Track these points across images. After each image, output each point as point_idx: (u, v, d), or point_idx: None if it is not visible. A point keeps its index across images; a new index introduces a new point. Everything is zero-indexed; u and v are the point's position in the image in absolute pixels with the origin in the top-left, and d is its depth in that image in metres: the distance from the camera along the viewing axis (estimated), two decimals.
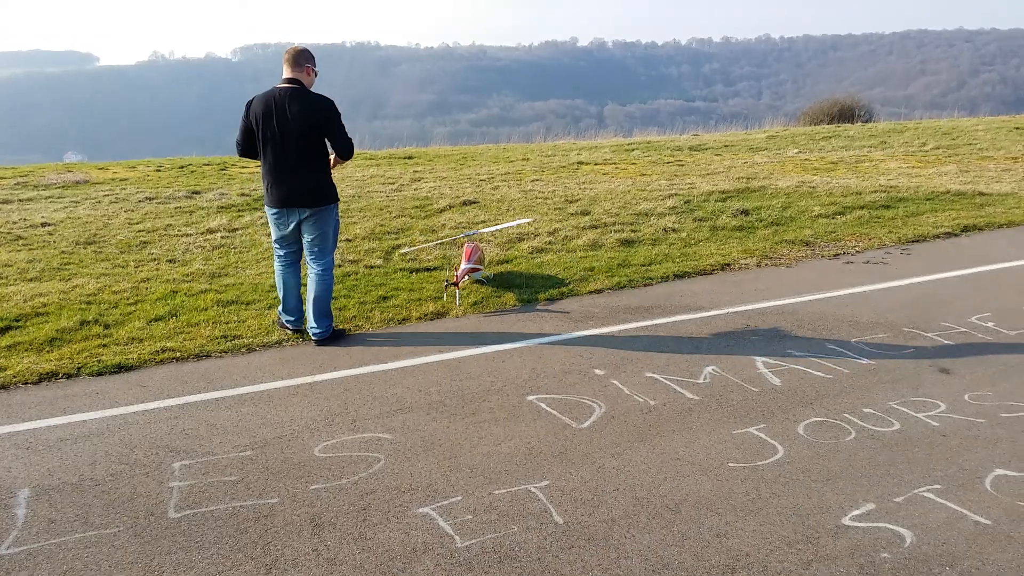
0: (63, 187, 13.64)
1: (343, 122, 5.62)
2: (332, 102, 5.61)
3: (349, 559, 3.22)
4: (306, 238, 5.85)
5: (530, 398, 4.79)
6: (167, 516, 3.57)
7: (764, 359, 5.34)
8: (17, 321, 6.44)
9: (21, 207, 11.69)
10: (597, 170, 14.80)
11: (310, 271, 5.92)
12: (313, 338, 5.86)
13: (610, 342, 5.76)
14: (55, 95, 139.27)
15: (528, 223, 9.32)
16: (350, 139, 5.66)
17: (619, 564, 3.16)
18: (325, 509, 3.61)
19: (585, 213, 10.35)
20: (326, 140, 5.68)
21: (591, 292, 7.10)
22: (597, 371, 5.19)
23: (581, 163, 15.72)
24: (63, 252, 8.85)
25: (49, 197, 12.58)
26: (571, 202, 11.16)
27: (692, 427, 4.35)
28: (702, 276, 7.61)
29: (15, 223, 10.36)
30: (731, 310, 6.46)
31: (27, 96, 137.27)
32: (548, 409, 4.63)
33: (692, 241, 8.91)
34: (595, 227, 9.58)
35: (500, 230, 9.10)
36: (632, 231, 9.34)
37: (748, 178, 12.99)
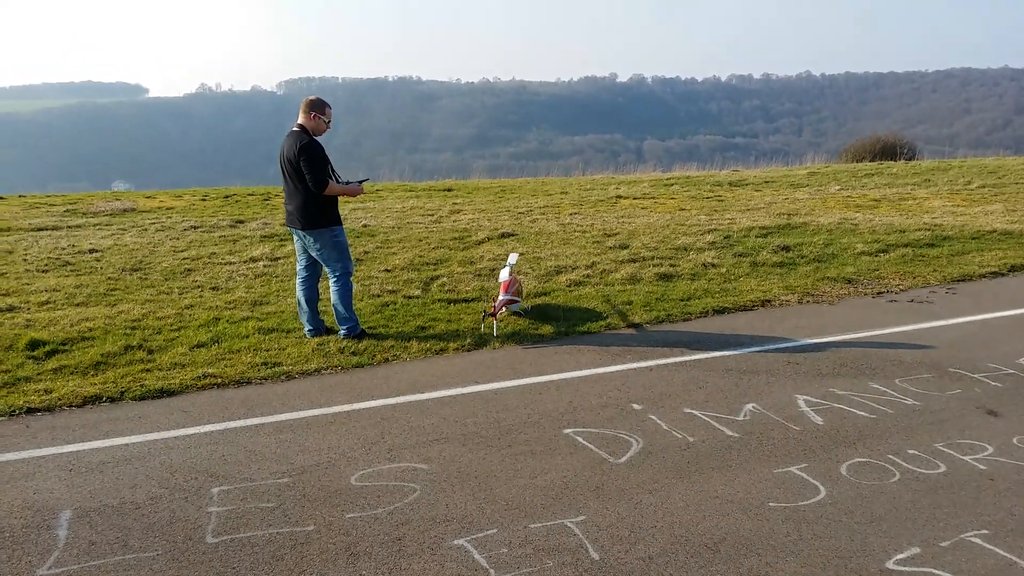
0: (111, 215, 13.97)
1: (316, 160, 6.37)
2: (308, 144, 6.40)
3: None
4: (314, 255, 6.78)
5: (567, 431, 4.77)
6: (205, 541, 3.60)
7: (806, 397, 5.26)
8: (64, 345, 6.57)
9: (70, 233, 11.99)
10: (636, 204, 14.80)
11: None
12: (342, 337, 6.72)
13: (648, 376, 5.72)
14: (105, 125, 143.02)
15: (519, 256, 9.31)
16: (319, 176, 6.38)
17: None
18: (360, 538, 3.60)
19: (623, 247, 10.34)
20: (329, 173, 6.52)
21: (629, 326, 7.07)
22: (635, 406, 5.15)
23: (620, 197, 15.74)
24: (109, 278, 9.03)
25: (97, 224, 12.89)
26: (609, 236, 11.16)
27: (732, 465, 4.29)
28: (742, 312, 7.54)
29: (64, 249, 10.62)
30: (772, 347, 6.39)
31: (78, 126, 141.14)
32: (585, 443, 4.60)
33: (732, 276, 8.85)
34: (633, 261, 9.56)
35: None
36: (671, 265, 9.30)
37: (789, 214, 12.89)
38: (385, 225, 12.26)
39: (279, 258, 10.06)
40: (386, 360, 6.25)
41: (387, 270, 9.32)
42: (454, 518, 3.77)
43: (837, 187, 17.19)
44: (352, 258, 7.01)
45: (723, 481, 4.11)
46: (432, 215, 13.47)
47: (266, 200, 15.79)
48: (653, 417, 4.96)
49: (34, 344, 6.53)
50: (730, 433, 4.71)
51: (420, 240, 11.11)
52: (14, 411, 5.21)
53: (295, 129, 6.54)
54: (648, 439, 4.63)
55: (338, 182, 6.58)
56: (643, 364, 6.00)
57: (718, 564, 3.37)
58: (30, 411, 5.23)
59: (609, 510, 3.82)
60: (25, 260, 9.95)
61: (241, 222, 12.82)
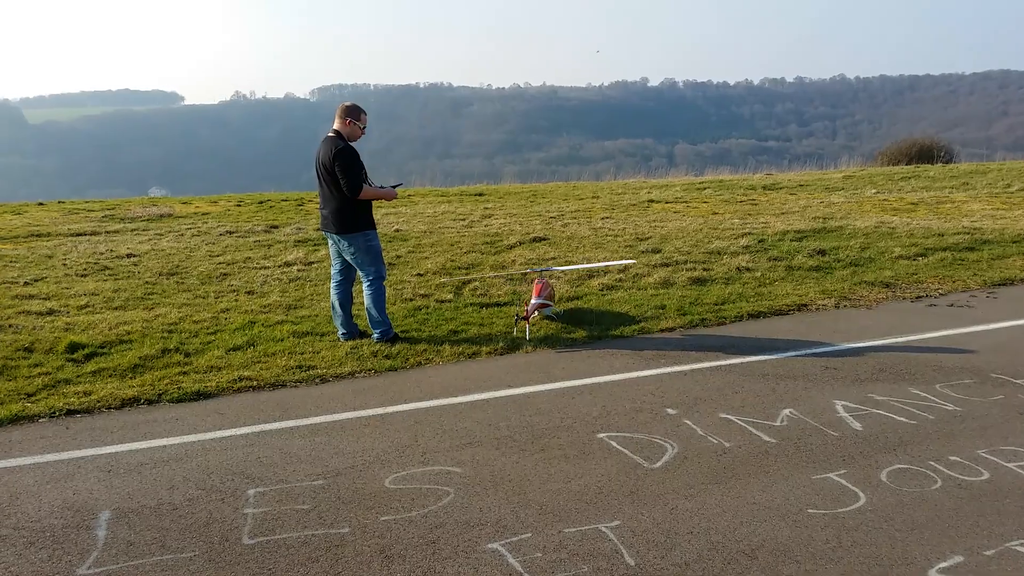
0: (148, 220, 14.17)
1: (351, 166, 6.43)
2: (343, 150, 6.45)
3: None
4: (348, 259, 6.81)
5: (600, 436, 4.74)
6: (241, 542, 3.62)
7: (844, 403, 5.18)
8: (102, 348, 6.66)
9: (108, 239, 12.18)
10: (668, 208, 14.72)
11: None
12: (375, 340, 6.76)
13: (682, 381, 5.68)
14: (141, 132, 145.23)
15: (631, 264, 9.24)
16: (354, 181, 6.43)
17: None
18: (395, 541, 3.61)
19: (656, 251, 10.28)
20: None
21: (663, 330, 7.02)
22: (669, 410, 5.11)
23: (652, 201, 15.67)
24: (147, 282, 9.16)
25: (135, 229, 13.09)
26: (642, 240, 11.10)
27: (769, 471, 4.24)
28: (778, 316, 7.46)
29: (102, 254, 10.79)
30: (808, 351, 6.31)
31: (116, 133, 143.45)
32: (619, 447, 4.56)
33: (767, 281, 8.76)
34: (666, 265, 9.50)
35: (601, 267, 9.11)
36: (704, 269, 9.23)
37: (825, 218, 12.74)
38: (417, 230, 12.30)
39: (312, 263, 10.14)
40: (419, 364, 6.27)
41: (419, 274, 9.35)
42: (488, 522, 3.76)
43: (873, 191, 16.97)
44: (385, 262, 7.06)
45: (760, 487, 4.05)
46: (464, 219, 13.50)
47: (299, 205, 15.94)
48: (688, 422, 4.91)
49: (74, 347, 6.63)
50: (767, 439, 4.65)
51: (452, 245, 11.14)
52: (54, 413, 5.29)
53: (330, 135, 6.62)
54: (683, 444, 4.59)
55: (371, 187, 6.63)
56: (677, 368, 5.95)
57: (755, 571, 3.32)
58: (70, 413, 5.31)
59: (644, 515, 3.79)
60: (65, 265, 10.12)
61: (275, 227, 12.95)
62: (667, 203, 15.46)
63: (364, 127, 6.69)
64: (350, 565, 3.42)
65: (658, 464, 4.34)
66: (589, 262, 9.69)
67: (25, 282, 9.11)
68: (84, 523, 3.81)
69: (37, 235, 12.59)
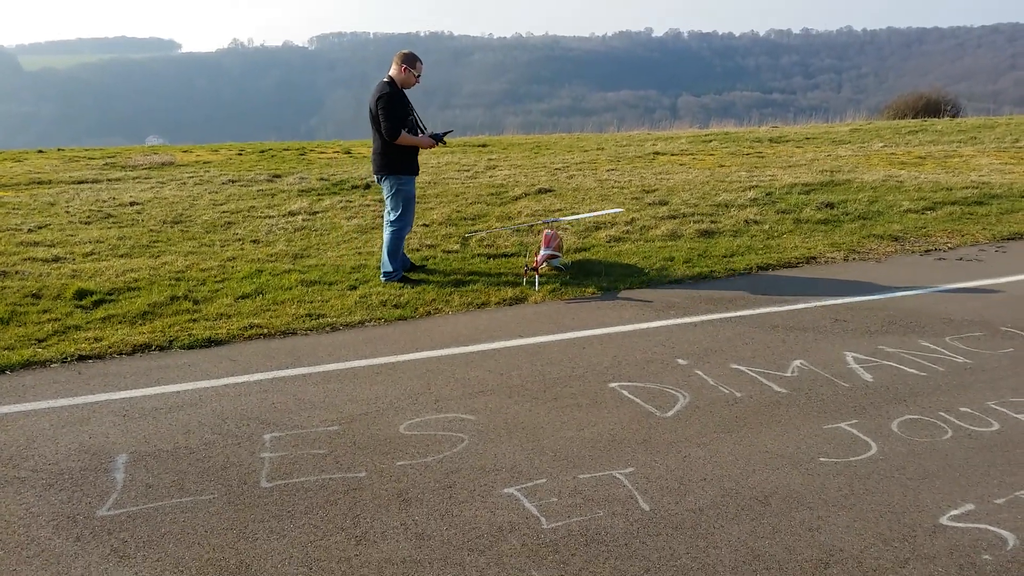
0: (149, 168, 14.07)
1: (391, 110, 6.65)
2: (387, 94, 6.69)
3: (437, 534, 3.25)
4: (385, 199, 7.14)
5: (612, 385, 4.76)
6: (259, 485, 3.65)
7: (854, 354, 5.20)
8: (110, 295, 6.66)
9: (110, 186, 12.10)
10: (674, 160, 14.61)
11: None
12: (382, 282, 7.02)
13: (692, 332, 5.69)
14: (138, 81, 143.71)
15: (620, 213, 9.24)
16: (392, 125, 6.66)
17: (708, 554, 3.11)
18: (411, 485, 3.64)
19: (663, 203, 10.23)
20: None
21: (671, 282, 7.02)
22: (680, 360, 5.13)
23: (657, 153, 15.54)
24: (151, 230, 9.12)
25: (136, 178, 13.00)
26: (648, 192, 11.04)
27: (780, 420, 4.26)
28: (787, 268, 7.45)
29: (104, 202, 10.73)
30: (818, 303, 6.31)
31: (113, 81, 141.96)
32: (630, 397, 4.59)
33: (775, 233, 8.73)
34: (673, 217, 9.46)
35: (590, 218, 9.10)
36: (712, 222, 9.19)
37: (832, 171, 12.66)
38: (420, 181, 12.22)
39: (317, 212, 10.09)
40: (428, 313, 6.27)
41: (425, 224, 9.32)
42: (503, 467, 3.79)
43: (880, 144, 16.83)
44: (415, 214, 7.26)
45: (772, 436, 4.08)
46: (468, 171, 13.41)
47: (302, 155, 15.82)
48: (699, 372, 4.93)
49: (81, 293, 6.63)
50: (778, 389, 4.67)
51: (457, 196, 11.08)
52: (66, 358, 5.30)
53: (384, 80, 6.85)
54: (695, 394, 4.61)
55: (418, 134, 6.89)
56: (687, 320, 5.96)
57: (769, 517, 3.36)
58: (81, 358, 5.32)
59: (658, 462, 3.82)
60: (68, 212, 10.07)
61: (278, 176, 12.86)
62: (673, 155, 15.34)
63: (419, 75, 6.90)
64: (368, 508, 3.46)
65: (670, 413, 4.37)
66: (602, 217, 9.65)
67: (29, 229, 9.08)
68: (102, 466, 3.84)
69: (38, 182, 12.50)
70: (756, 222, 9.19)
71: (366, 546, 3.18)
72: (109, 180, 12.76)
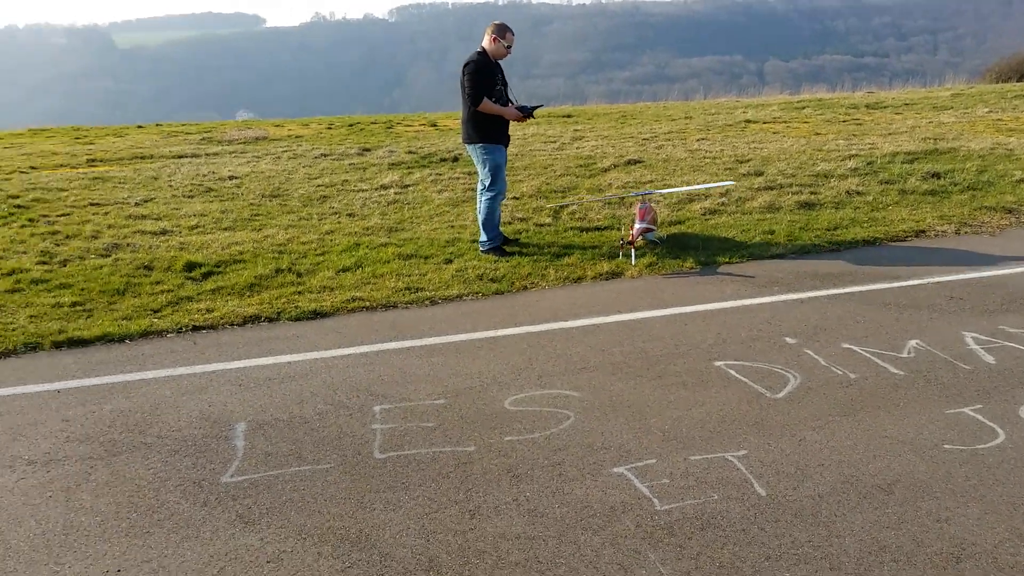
0: (244, 143, 14.41)
1: (476, 78, 6.75)
2: (473, 62, 6.80)
3: (550, 512, 3.25)
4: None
5: (717, 364, 4.67)
6: (373, 456, 3.72)
7: (974, 335, 4.98)
8: (217, 267, 6.86)
9: (208, 161, 12.44)
10: (766, 129, 14.21)
11: None
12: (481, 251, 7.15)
13: (799, 309, 5.54)
14: (226, 56, 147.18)
15: (732, 185, 9.03)
16: (475, 92, 6.75)
17: (831, 543, 3.04)
18: (520, 461, 3.65)
19: (759, 174, 9.97)
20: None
21: (773, 256, 6.84)
22: (788, 339, 5.00)
23: (748, 121, 15.14)
24: (251, 204, 9.35)
25: (232, 152, 13.32)
26: (742, 162, 10.77)
27: (899, 404, 4.12)
28: (895, 243, 7.18)
29: (204, 175, 11.04)
30: (932, 280, 6.06)
31: (201, 57, 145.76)
32: (738, 376, 4.50)
33: (879, 205, 8.41)
34: (770, 188, 9.21)
35: (702, 190, 8.94)
36: (811, 193, 8.91)
37: (936, 139, 12.11)
38: (508, 152, 12.17)
39: (408, 186, 10.17)
40: (525, 288, 6.27)
41: (515, 197, 9.29)
42: (611, 446, 3.77)
43: (985, 109, 16.01)
44: (506, 182, 7.31)
45: (891, 420, 3.95)
46: (554, 142, 13.31)
47: (389, 128, 15.96)
48: (809, 352, 4.80)
49: (191, 266, 6.85)
50: (894, 371, 4.51)
51: (545, 168, 11.01)
52: (181, 328, 5.50)
53: (476, 51, 6.95)
54: (806, 374, 4.49)
55: (506, 104, 6.93)
56: (793, 296, 5.80)
57: (893, 506, 3.25)
58: (195, 328, 5.51)
59: (771, 446, 3.74)
60: (171, 186, 10.40)
61: (368, 150, 13.00)
62: (765, 123, 14.92)
63: (509, 46, 6.93)
64: (480, 482, 3.49)
65: (781, 394, 4.26)
66: (688, 185, 9.47)
67: (136, 203, 9.41)
68: (222, 433, 3.97)
69: (140, 157, 12.94)
70: (859, 193, 8.87)
71: (480, 520, 3.21)
72: (207, 155, 13.12)
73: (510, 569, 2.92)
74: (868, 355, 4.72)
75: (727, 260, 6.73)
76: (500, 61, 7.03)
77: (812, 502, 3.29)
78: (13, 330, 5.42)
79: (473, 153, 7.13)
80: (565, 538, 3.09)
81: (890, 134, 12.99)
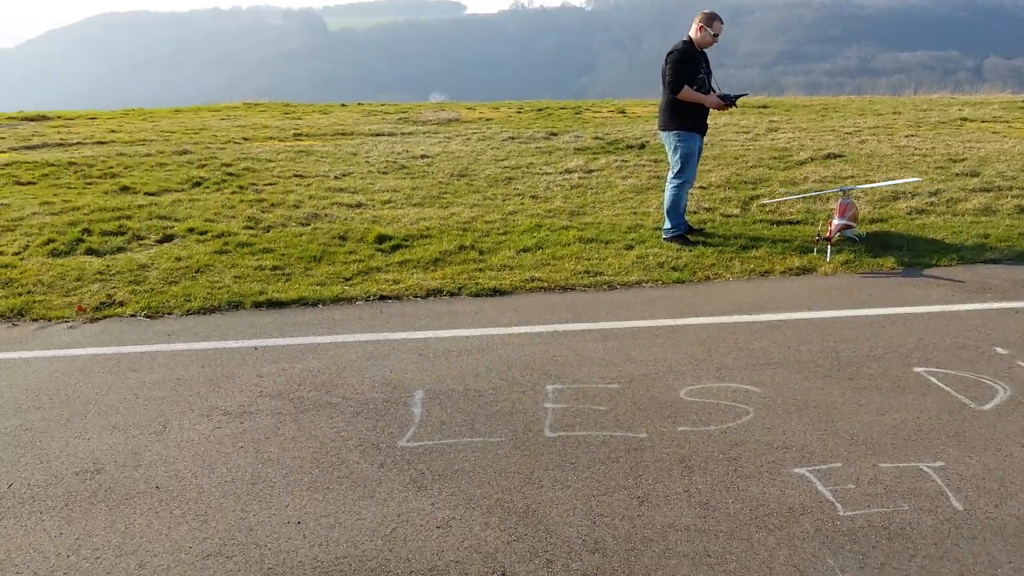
0: (437, 124, 14.90)
1: (677, 66, 6.68)
2: (676, 49, 6.75)
3: (722, 506, 3.14)
4: None
5: (917, 370, 4.34)
6: (543, 434, 3.74)
7: None
8: (405, 241, 7.13)
9: (403, 140, 12.97)
10: (985, 128, 13.05)
11: None
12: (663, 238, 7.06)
13: (1014, 319, 5.04)
14: (426, 41, 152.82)
15: (918, 182, 8.33)
16: (675, 80, 6.66)
17: None
18: (693, 453, 3.55)
19: (974, 174, 9.17)
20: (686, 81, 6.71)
21: (987, 261, 6.28)
22: (999, 349, 4.56)
23: (964, 120, 13.96)
24: (440, 182, 9.65)
25: (426, 132, 13.81)
26: (955, 161, 9.95)
27: None
28: None
29: (399, 154, 11.50)
30: None
31: (404, 41, 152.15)
32: (939, 384, 4.15)
33: None
34: (987, 190, 8.45)
35: (884, 187, 8.35)
36: None
37: None
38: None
39: (592, 171, 10.14)
40: (707, 278, 6.09)
41: (703, 187, 9.05)
42: (792, 446, 3.58)
43: None
44: (696, 171, 7.16)
45: None
46: (747, 133, 12.84)
47: (577, 114, 15.99)
48: (1022, 364, 4.36)
49: (381, 238, 7.16)
50: None
51: (736, 158, 10.65)
52: (369, 297, 5.76)
53: (683, 39, 6.87)
54: (1017, 388, 4.08)
55: (707, 92, 6.79)
56: (1007, 305, 5.30)
57: None
58: (382, 298, 5.75)
59: (973, 459, 3.42)
60: (367, 162, 10.92)
61: (555, 134, 13.08)
62: (983, 122, 13.71)
63: (716, 35, 6.79)
64: (650, 470, 3.42)
65: (988, 406, 3.90)
66: (896, 186, 8.85)
67: (335, 176, 9.95)
68: (401, 399, 4.12)
69: (342, 134, 13.69)
70: None
71: (648, 508, 3.14)
72: (402, 134, 13.68)
73: (678, 560, 2.84)
74: None
75: (934, 263, 6.24)
76: (706, 50, 6.88)
77: (1016, 522, 2.98)
78: (219, 288, 5.88)
79: (666, 140, 7.01)
80: (737, 535, 2.96)
81: None
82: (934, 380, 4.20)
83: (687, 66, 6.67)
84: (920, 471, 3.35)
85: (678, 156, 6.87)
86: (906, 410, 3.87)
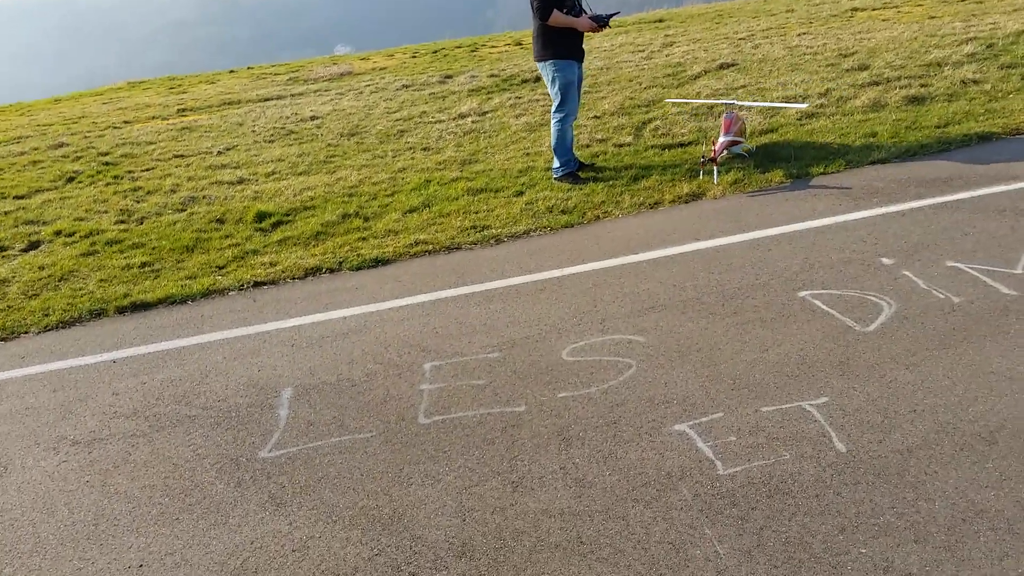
0: (329, 80, 14.28)
1: None
2: None
3: (598, 481, 2.96)
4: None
5: (802, 294, 4.20)
6: (417, 421, 3.51)
7: None
8: (287, 216, 6.76)
9: (292, 102, 12.39)
10: (875, 16, 12.98)
11: None
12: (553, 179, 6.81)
13: (900, 223, 4.94)
14: None
15: (804, 108, 7.78)
16: (540, 3, 6.24)
17: (918, 508, 2.63)
18: (573, 421, 3.36)
19: (863, 68, 9.06)
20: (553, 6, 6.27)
21: (874, 162, 6.17)
22: (884, 260, 4.45)
23: (856, 10, 13.87)
24: (329, 145, 9.21)
25: (317, 91, 13.22)
26: (846, 56, 9.83)
27: (1010, 332, 3.57)
28: (1015, 138, 6.35)
29: (287, 118, 10.97)
30: None
31: None
32: (824, 308, 4.02)
33: (999, 95, 7.47)
34: (876, 84, 8.35)
35: (767, 107, 8.08)
36: (922, 86, 8.02)
37: None
38: (593, 67, 11.56)
39: (487, 112, 9.79)
40: (597, 218, 5.88)
41: (595, 116, 8.78)
42: (674, 399, 3.42)
43: None
44: (578, 101, 6.80)
45: (999, 352, 3.42)
46: (643, 51, 12.56)
47: (473, 51, 15.48)
48: (907, 273, 4.25)
49: (261, 216, 6.77)
50: (1006, 291, 3.93)
51: (630, 80, 10.38)
52: (243, 285, 5.41)
53: None
54: (903, 301, 3.97)
55: (578, 15, 6.40)
56: (893, 208, 5.19)
57: (995, 458, 2.80)
58: (257, 284, 5.42)
59: (857, 390, 3.30)
60: (254, 131, 10.38)
61: (450, 77, 12.63)
62: (874, 10, 13.62)
63: None
64: (527, 448, 3.22)
65: (872, 327, 3.78)
66: (785, 87, 8.70)
67: (218, 151, 9.43)
68: (267, 402, 3.84)
69: (228, 103, 13.02)
70: (975, 82, 7.92)
71: (522, 494, 2.95)
72: (292, 95, 13.07)
73: (549, 552, 2.66)
74: (976, 274, 4.14)
75: (821, 171, 6.11)
76: None
77: (899, 458, 2.87)
78: (81, 296, 5.47)
79: (544, 71, 6.65)
80: (612, 512, 2.79)
81: (1015, 10, 11.61)
82: (819, 304, 4.07)
83: None
84: (803, 411, 3.21)
85: (557, 87, 6.54)
86: (789, 343, 3.73)
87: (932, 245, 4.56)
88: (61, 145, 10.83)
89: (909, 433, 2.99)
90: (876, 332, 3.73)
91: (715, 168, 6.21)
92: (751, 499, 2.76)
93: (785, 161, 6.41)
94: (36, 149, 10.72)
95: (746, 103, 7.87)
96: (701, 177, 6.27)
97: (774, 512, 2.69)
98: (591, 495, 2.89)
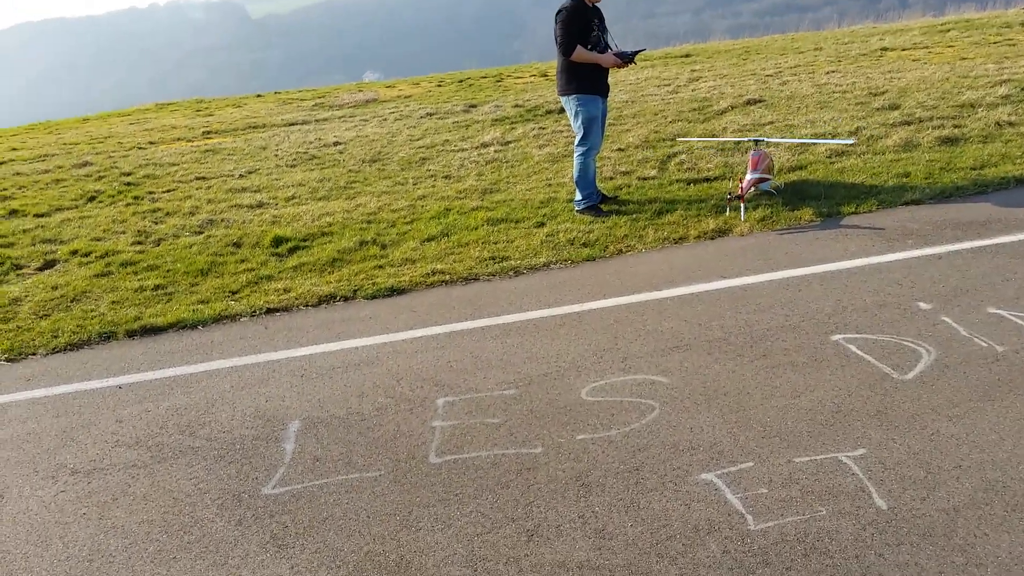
0: (354, 107, 14.29)
1: (566, 24, 6.21)
2: (564, 8, 6.22)
3: (620, 533, 2.77)
4: None
5: (835, 338, 4.01)
6: (428, 460, 3.33)
7: None
8: (304, 241, 6.65)
9: (317, 127, 12.38)
10: (905, 56, 12.83)
11: None
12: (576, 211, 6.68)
13: (937, 267, 4.74)
14: (352, 18, 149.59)
15: (852, 144, 7.59)
16: (566, 41, 6.22)
17: (968, 573, 2.42)
18: (593, 466, 3.17)
19: (894, 107, 8.90)
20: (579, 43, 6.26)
21: (908, 203, 5.98)
22: (922, 305, 4.26)
23: (885, 49, 13.74)
24: (350, 171, 9.14)
25: (342, 117, 13.22)
26: (876, 95, 9.67)
27: None
28: None
29: (311, 143, 10.94)
30: None
31: (331, 21, 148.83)
32: (859, 353, 3.83)
33: None
34: (907, 123, 8.18)
35: (810, 144, 7.88)
36: (955, 126, 7.84)
37: None
38: (618, 100, 11.47)
39: (509, 142, 9.70)
40: (619, 252, 5.72)
41: (619, 149, 8.66)
42: (700, 446, 3.22)
43: None
44: (602, 135, 6.69)
45: None
46: (668, 85, 12.47)
47: (498, 81, 15.46)
48: (947, 320, 4.05)
49: (278, 241, 6.67)
50: None
51: (656, 114, 10.27)
52: (255, 311, 5.28)
53: None
54: (943, 349, 3.77)
55: (604, 51, 6.36)
56: (929, 251, 5.00)
57: None
58: (269, 311, 5.29)
59: (896, 442, 3.10)
60: (276, 156, 10.34)
61: (474, 106, 12.59)
62: (904, 50, 13.48)
63: None
64: (543, 493, 3.04)
65: (911, 375, 3.58)
66: (813, 124, 8.55)
67: (240, 174, 9.39)
68: (273, 434, 3.68)
69: (253, 127, 13.03)
70: (1010, 124, 7.73)
71: (538, 544, 2.76)
72: (317, 121, 13.08)
73: None
74: (1020, 322, 3.93)
75: (853, 210, 5.93)
76: (598, 5, 6.41)
77: (945, 517, 2.66)
78: (93, 318, 5.35)
79: (567, 105, 6.58)
80: (635, 568, 2.60)
81: None
82: (854, 348, 3.87)
83: (578, 25, 6.21)
84: (839, 463, 3.01)
85: (580, 122, 6.45)
86: (823, 389, 3.54)
87: (972, 290, 4.35)
88: (85, 164, 10.85)
89: (955, 491, 2.78)
90: (915, 380, 3.53)
91: (742, 205, 6.04)
92: (785, 558, 2.56)
93: (815, 199, 6.23)
94: (60, 167, 10.73)
95: (786, 139, 7.68)
96: (728, 213, 6.10)
97: (811, 573, 2.48)
98: (612, 547, 2.70)
